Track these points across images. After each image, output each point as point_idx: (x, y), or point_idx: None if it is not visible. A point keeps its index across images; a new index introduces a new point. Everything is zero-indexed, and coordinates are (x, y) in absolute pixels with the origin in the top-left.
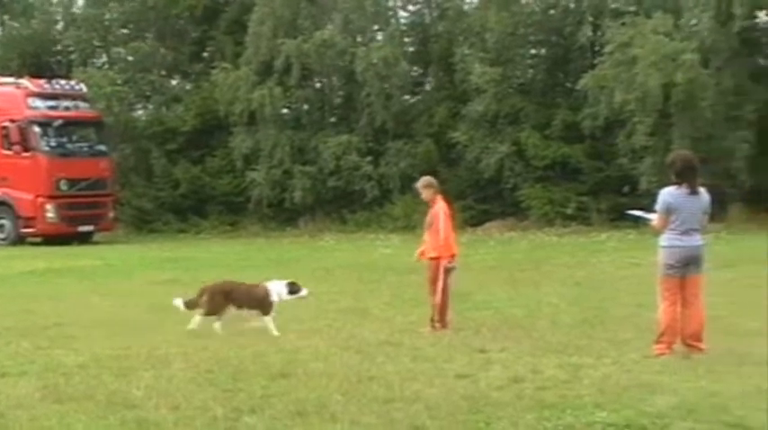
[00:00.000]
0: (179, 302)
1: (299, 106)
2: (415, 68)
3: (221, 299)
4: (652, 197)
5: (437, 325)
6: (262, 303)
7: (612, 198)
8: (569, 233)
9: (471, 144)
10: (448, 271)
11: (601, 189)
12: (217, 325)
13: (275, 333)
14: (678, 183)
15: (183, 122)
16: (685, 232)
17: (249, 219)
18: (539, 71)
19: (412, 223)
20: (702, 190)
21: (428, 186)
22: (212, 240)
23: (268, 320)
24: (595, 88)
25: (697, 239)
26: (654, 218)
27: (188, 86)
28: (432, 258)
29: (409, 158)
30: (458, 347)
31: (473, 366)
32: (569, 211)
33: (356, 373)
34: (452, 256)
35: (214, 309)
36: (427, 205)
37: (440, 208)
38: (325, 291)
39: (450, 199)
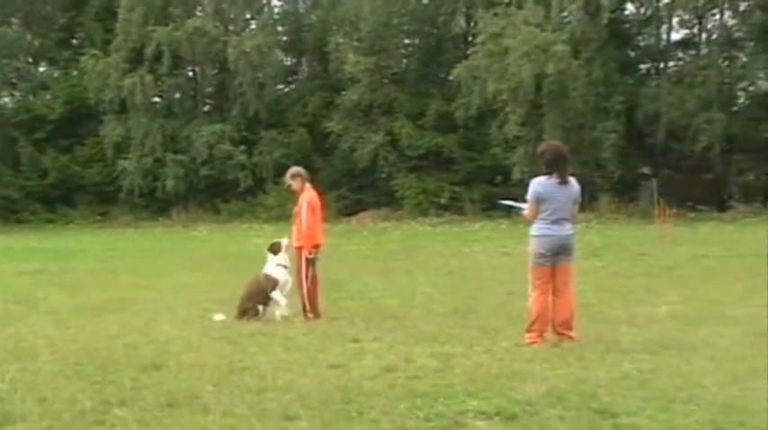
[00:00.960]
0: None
1: (171, 94)
2: (288, 57)
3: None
4: (525, 187)
5: (309, 315)
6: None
7: (485, 188)
8: (443, 223)
9: (345, 133)
10: (310, 261)
11: (474, 179)
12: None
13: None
14: (548, 173)
15: (51, 110)
16: (555, 221)
17: (120, 208)
18: (412, 61)
19: (286, 212)
20: (572, 179)
21: (296, 176)
22: (82, 230)
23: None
24: (468, 78)
25: (567, 228)
26: (525, 207)
27: (56, 74)
28: (296, 248)
29: (283, 148)
30: (331, 337)
31: (346, 356)
32: (443, 201)
33: (228, 364)
34: (315, 247)
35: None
36: (296, 195)
37: (306, 197)
38: (198, 281)
39: (323, 189)
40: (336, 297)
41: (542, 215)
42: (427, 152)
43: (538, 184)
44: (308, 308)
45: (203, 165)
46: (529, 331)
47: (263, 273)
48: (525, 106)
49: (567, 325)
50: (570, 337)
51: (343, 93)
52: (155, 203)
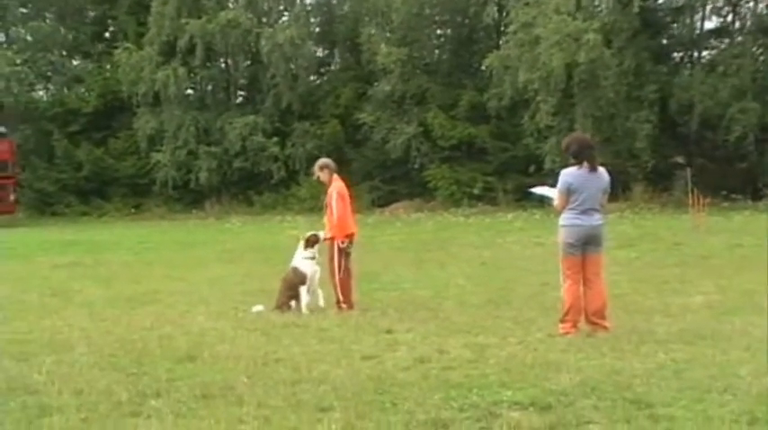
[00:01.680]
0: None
1: (204, 87)
2: (320, 49)
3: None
4: (557, 176)
5: (343, 306)
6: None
7: (518, 178)
8: (476, 213)
9: (378, 125)
10: (343, 251)
11: (506, 169)
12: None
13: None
14: (578, 164)
15: (85, 103)
16: (585, 211)
17: (154, 201)
18: (444, 51)
19: (319, 204)
20: (602, 169)
21: (323, 167)
22: (116, 223)
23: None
24: (500, 68)
25: (596, 218)
26: (553, 195)
27: (90, 67)
28: (327, 239)
29: (315, 139)
30: (364, 328)
31: (379, 347)
32: (476, 192)
33: (262, 355)
34: (347, 237)
35: None
36: (325, 187)
37: (335, 188)
38: (232, 273)
39: (356, 180)
40: (369, 288)
41: (572, 205)
42: (460, 142)
43: (568, 175)
44: (341, 299)
45: (236, 158)
46: (562, 321)
47: (292, 266)
48: (557, 96)
49: (600, 314)
50: (604, 327)
51: (376, 84)
52: (188, 196)
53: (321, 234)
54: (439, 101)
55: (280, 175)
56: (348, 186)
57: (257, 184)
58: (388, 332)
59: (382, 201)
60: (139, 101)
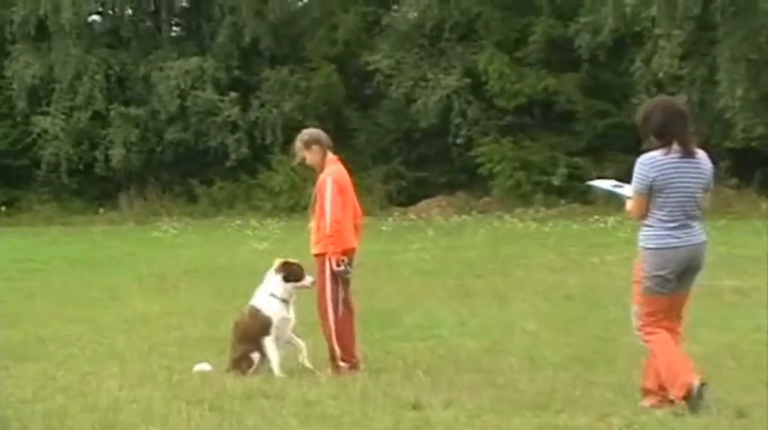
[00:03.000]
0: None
1: (120, 11)
2: None
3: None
4: None
5: (341, 364)
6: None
7: (625, 159)
8: (555, 216)
9: (398, 74)
10: (339, 276)
11: (606, 145)
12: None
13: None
14: (663, 146)
15: None
16: (679, 223)
17: (37, 194)
18: None
19: (302, 201)
20: (702, 153)
21: (311, 143)
22: None
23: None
24: None
25: (697, 232)
26: (629, 195)
27: None
28: (316, 256)
29: (298, 96)
30: (375, 400)
31: None
32: (556, 182)
33: None
34: (345, 252)
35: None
36: (315, 173)
37: (329, 174)
38: (163, 311)
39: (362, 162)
40: (384, 336)
41: (657, 213)
42: (530, 102)
43: (649, 164)
44: (337, 353)
45: (170, 125)
46: (646, 393)
47: (250, 305)
48: (688, 27)
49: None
50: (671, 400)
51: (395, 8)
52: (93, 186)
53: (309, 279)
54: (497, 35)
55: (240, 154)
56: (350, 172)
57: (203, 169)
58: (415, 407)
59: (405, 197)
60: (14, 33)
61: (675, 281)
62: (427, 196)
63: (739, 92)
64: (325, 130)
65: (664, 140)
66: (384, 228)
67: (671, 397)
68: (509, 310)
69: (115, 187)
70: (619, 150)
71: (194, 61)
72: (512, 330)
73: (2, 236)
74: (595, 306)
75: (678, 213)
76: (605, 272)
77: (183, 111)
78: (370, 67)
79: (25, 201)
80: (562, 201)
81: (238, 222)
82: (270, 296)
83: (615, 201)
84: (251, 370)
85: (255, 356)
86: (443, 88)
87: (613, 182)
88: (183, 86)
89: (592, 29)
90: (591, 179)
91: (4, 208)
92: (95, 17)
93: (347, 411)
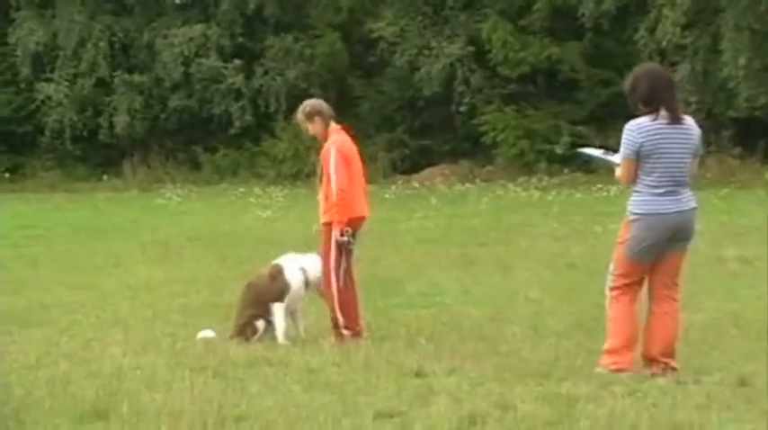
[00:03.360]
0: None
1: None
2: None
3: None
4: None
5: (344, 331)
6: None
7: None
8: (559, 185)
9: (402, 41)
10: (343, 246)
11: (609, 114)
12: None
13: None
14: (651, 113)
15: None
16: (667, 189)
17: (41, 161)
18: None
19: (306, 168)
20: (689, 120)
21: (313, 114)
22: None
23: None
24: None
25: (687, 199)
26: (616, 161)
27: None
28: (325, 224)
29: (302, 64)
30: (379, 367)
31: (404, 399)
32: (559, 150)
33: (215, 411)
34: (353, 221)
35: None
36: (319, 143)
37: (333, 144)
38: (165, 278)
39: (366, 130)
40: (388, 304)
41: (645, 179)
42: (534, 71)
43: (636, 130)
44: (340, 320)
45: (174, 92)
46: (609, 352)
47: (274, 263)
48: None
49: (671, 350)
50: (672, 368)
51: None
52: (96, 153)
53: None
54: (500, 3)
55: (244, 121)
56: (354, 140)
57: (207, 136)
58: (418, 375)
59: (408, 165)
60: None
61: (660, 248)
62: (430, 164)
63: (742, 61)
64: (329, 99)
65: (651, 107)
66: (387, 196)
67: (673, 365)
68: (512, 279)
69: (119, 154)
70: (622, 119)
71: (198, 28)
72: (515, 298)
73: (6, 202)
74: (598, 274)
75: (666, 179)
76: (608, 240)
77: (186, 78)
78: (374, 35)
79: (29, 167)
80: (565, 170)
81: (242, 190)
82: (299, 269)
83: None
84: (255, 337)
85: (260, 324)
86: (447, 56)
87: (602, 150)
88: (186, 54)
89: None
90: (582, 147)
91: (7, 174)
92: None
93: (350, 378)
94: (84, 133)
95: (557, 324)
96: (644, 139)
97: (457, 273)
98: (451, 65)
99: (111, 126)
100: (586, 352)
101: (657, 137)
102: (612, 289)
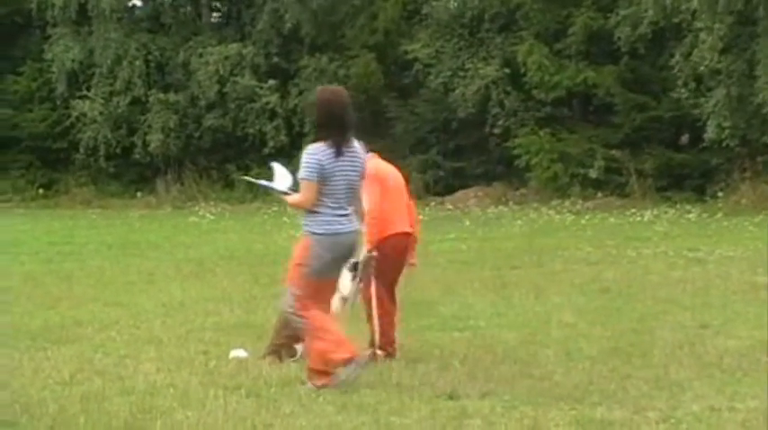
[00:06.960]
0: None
1: None
2: None
3: None
4: (723, 150)
5: (379, 351)
6: None
7: (663, 153)
8: (592, 209)
9: (437, 63)
10: (366, 265)
11: (644, 138)
12: None
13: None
14: (327, 137)
15: None
16: (344, 212)
17: (75, 177)
18: None
19: None
20: (358, 145)
21: None
22: (12, 210)
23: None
24: None
25: (354, 220)
26: (283, 189)
27: None
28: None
29: (337, 84)
30: (412, 389)
31: (437, 421)
32: (593, 174)
33: None
34: (380, 241)
35: None
36: None
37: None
38: (200, 296)
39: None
40: (421, 325)
41: (326, 200)
42: (569, 94)
43: (317, 153)
44: (376, 339)
45: (209, 111)
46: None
47: None
48: (728, 20)
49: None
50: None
51: None
52: (130, 170)
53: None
54: (537, 26)
55: (278, 141)
56: (388, 161)
57: (242, 155)
58: (451, 397)
59: (442, 187)
60: (55, 16)
61: (337, 267)
62: (464, 186)
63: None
64: (363, 119)
65: (327, 131)
66: (421, 217)
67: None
68: (545, 302)
69: (153, 172)
70: (657, 143)
71: (234, 47)
72: (548, 322)
73: (40, 218)
74: (632, 299)
75: (343, 201)
76: (642, 265)
77: (221, 97)
78: (409, 56)
79: (63, 184)
80: (599, 194)
81: (275, 209)
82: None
83: (655, 195)
84: (290, 360)
85: (299, 348)
86: (482, 78)
87: (263, 181)
88: (222, 73)
89: (632, 21)
90: (244, 175)
91: (42, 190)
92: (136, 2)
93: (384, 400)
94: (119, 150)
95: (590, 348)
96: (325, 163)
97: (490, 295)
98: (486, 87)
99: (146, 144)
100: (620, 376)
101: (334, 161)
102: (300, 310)
